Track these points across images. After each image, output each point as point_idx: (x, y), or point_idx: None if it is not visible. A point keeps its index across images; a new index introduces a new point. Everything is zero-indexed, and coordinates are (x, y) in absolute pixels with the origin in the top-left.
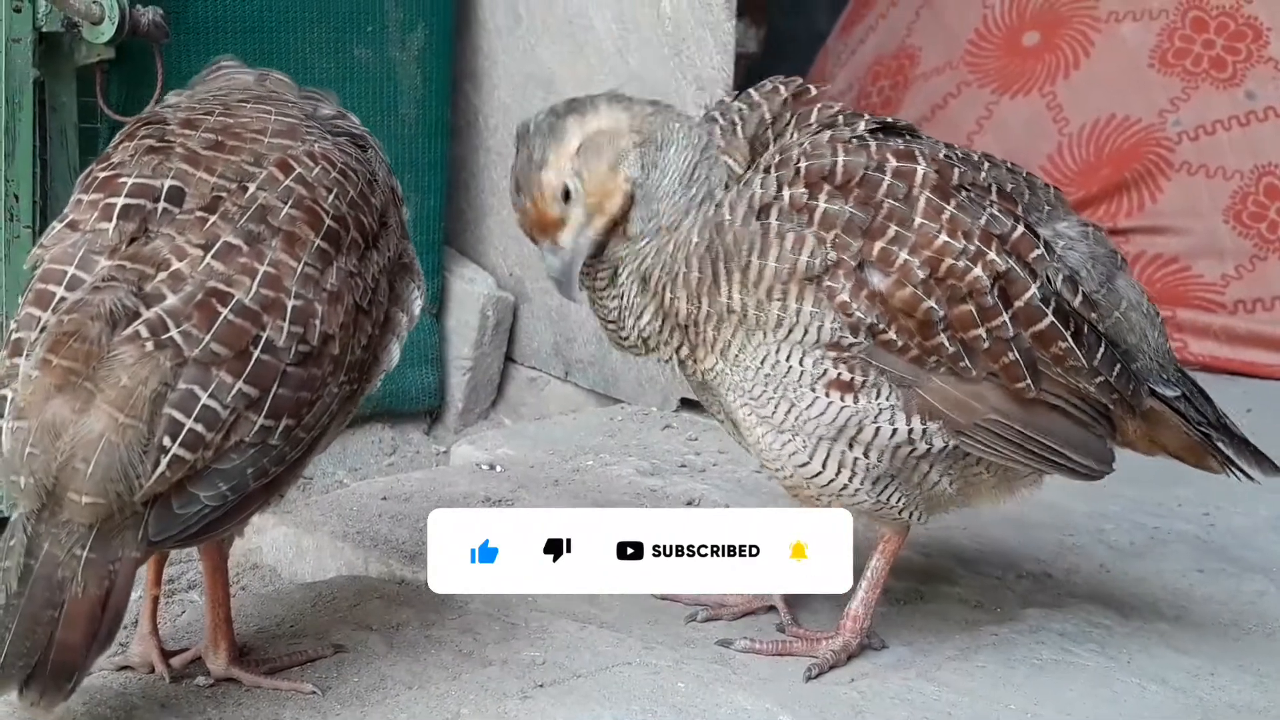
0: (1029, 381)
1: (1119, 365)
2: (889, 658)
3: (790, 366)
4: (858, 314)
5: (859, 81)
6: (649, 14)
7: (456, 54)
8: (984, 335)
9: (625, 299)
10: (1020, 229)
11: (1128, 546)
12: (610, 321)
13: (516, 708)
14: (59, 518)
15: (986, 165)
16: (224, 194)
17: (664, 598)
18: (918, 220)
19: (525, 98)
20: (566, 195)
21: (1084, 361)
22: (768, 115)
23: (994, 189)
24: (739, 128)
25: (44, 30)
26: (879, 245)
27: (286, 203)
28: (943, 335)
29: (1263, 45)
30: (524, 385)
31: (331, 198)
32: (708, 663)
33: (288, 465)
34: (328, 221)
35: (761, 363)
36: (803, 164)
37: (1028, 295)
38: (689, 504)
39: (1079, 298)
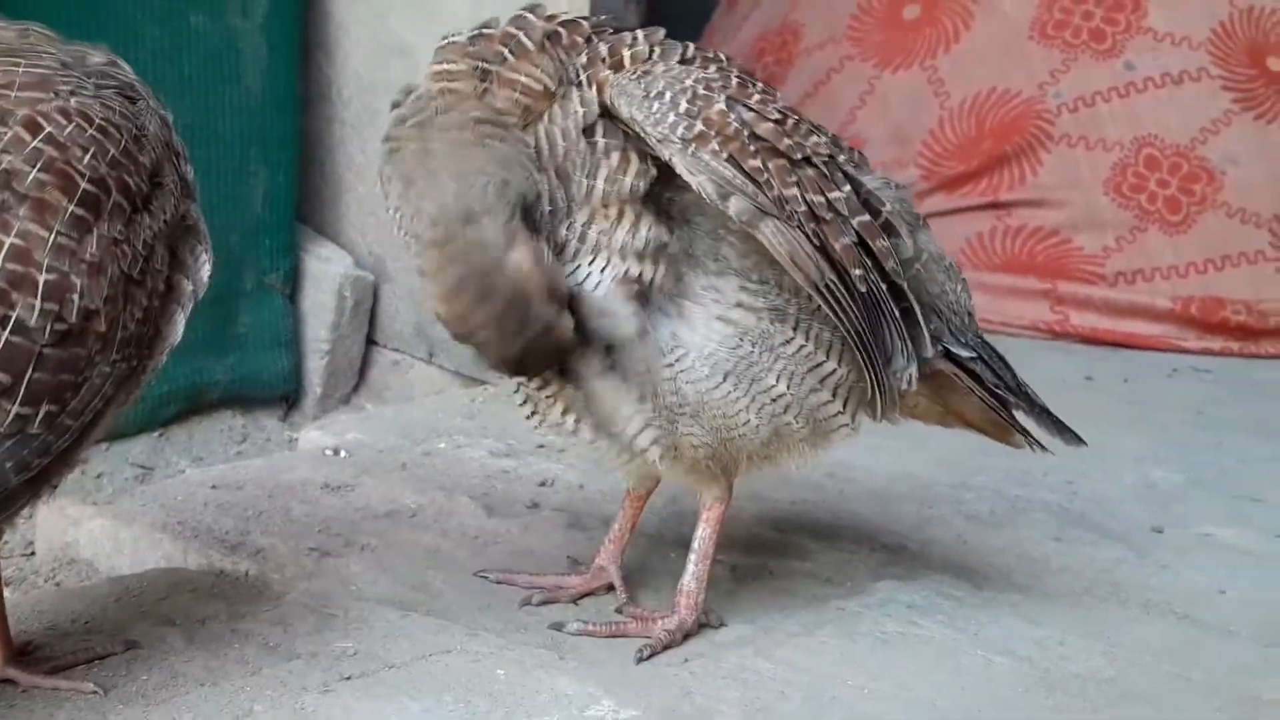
0: (863, 271)
1: (918, 306)
2: (728, 636)
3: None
4: (734, 124)
5: (744, 58)
6: None
7: (306, 22)
8: (825, 205)
9: None
10: (830, 135)
11: (988, 516)
12: None
13: (315, 702)
14: None
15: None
16: None
17: (500, 581)
18: (754, 90)
19: (381, 67)
20: None
21: (900, 269)
22: (559, 31)
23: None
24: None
25: None
26: (731, 78)
27: (34, 166)
28: (796, 189)
29: (1141, 16)
30: (387, 368)
31: (88, 158)
32: (534, 648)
33: (55, 455)
34: (83, 185)
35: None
36: (603, 48)
37: (847, 189)
38: (541, 485)
39: (886, 217)
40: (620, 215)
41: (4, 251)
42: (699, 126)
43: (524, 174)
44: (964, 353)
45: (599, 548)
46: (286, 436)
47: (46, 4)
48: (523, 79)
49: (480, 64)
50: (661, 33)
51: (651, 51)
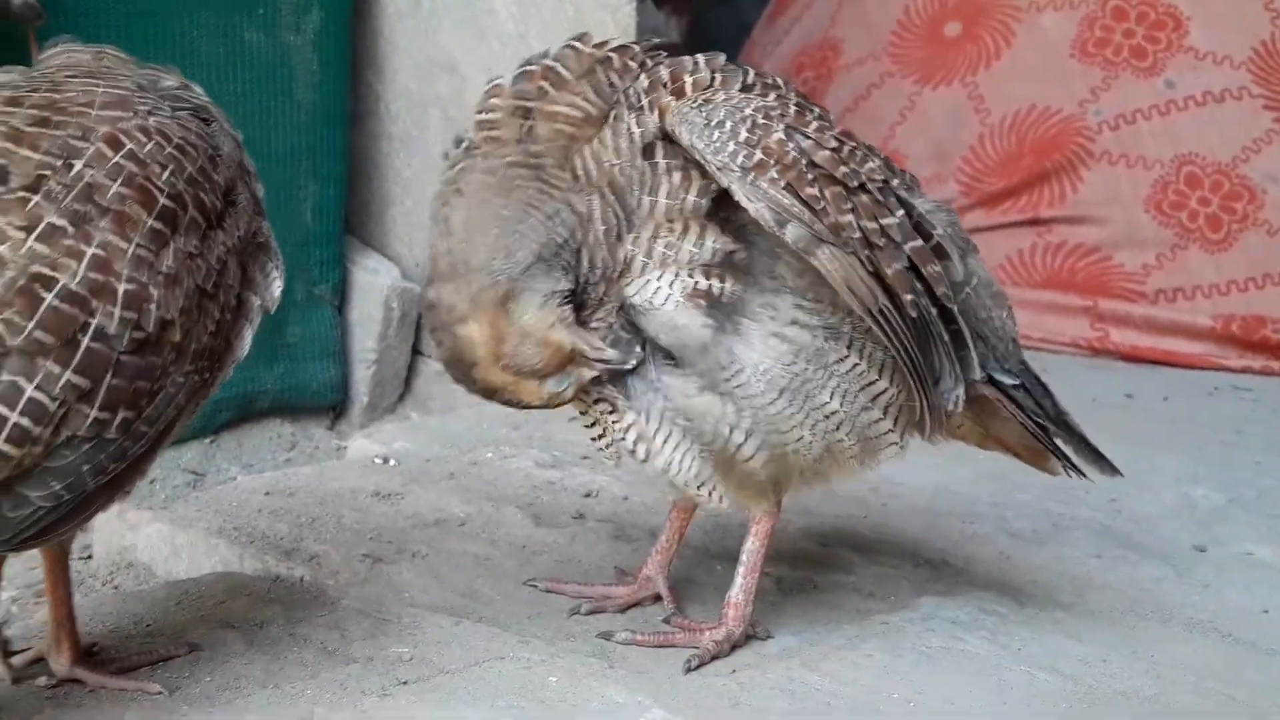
0: (914, 296)
1: (967, 330)
2: (774, 648)
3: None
4: (792, 153)
5: (784, 74)
6: None
7: (355, 38)
8: (879, 231)
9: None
10: (881, 160)
11: (1030, 534)
12: None
13: (375, 706)
14: None
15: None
16: (48, 172)
17: (548, 590)
18: (811, 117)
19: (429, 83)
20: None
21: (952, 293)
22: (610, 56)
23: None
24: (578, 65)
25: None
26: (788, 106)
27: (116, 180)
28: (851, 214)
29: (1182, 35)
30: (432, 378)
31: (166, 174)
32: (585, 656)
33: (130, 460)
34: (162, 200)
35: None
36: (665, 73)
37: (900, 214)
38: (587, 496)
39: (938, 240)
40: (685, 229)
41: (86, 261)
42: (758, 155)
43: (544, 222)
44: (1008, 379)
45: (645, 558)
46: (334, 445)
47: (110, 25)
48: (563, 109)
49: (522, 103)
50: (722, 58)
51: (713, 78)
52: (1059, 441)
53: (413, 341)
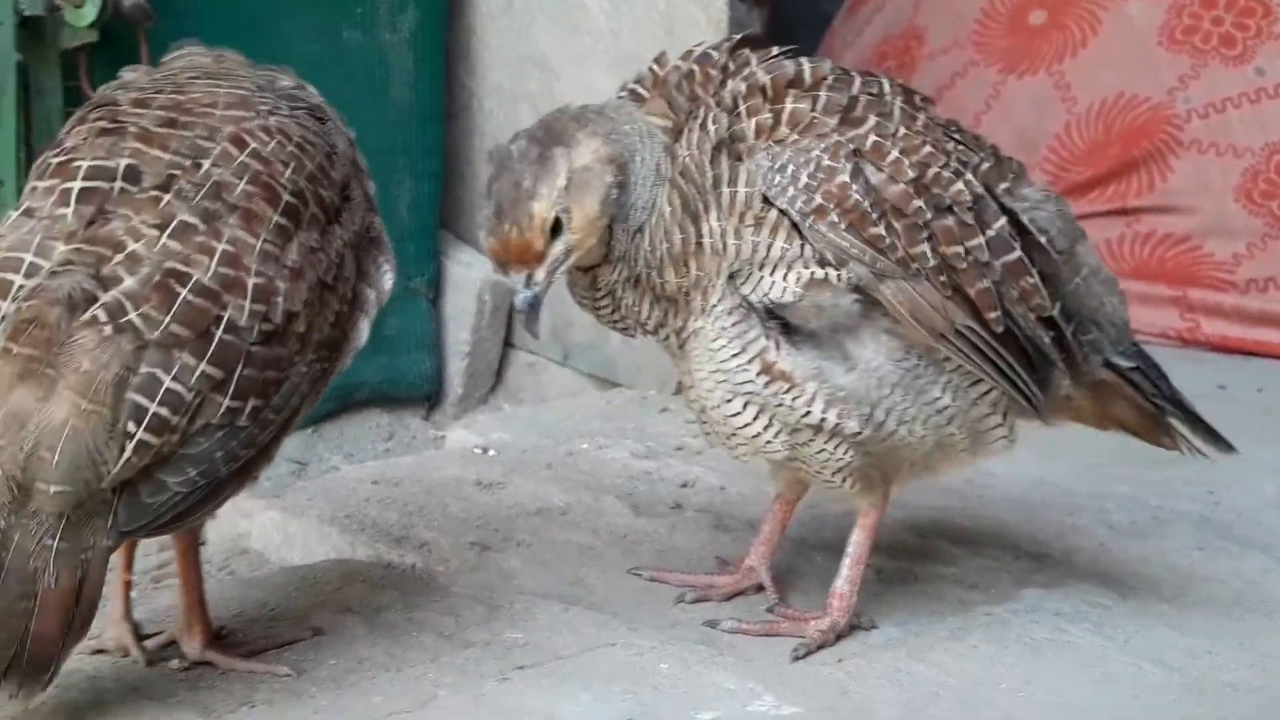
0: (1000, 312)
1: (1074, 325)
2: (879, 638)
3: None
4: (855, 196)
5: (865, 63)
6: None
7: (449, 36)
8: (963, 254)
9: (624, 306)
10: (988, 163)
11: (1129, 526)
12: (619, 325)
13: (494, 689)
14: (28, 509)
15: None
16: (178, 171)
17: (652, 579)
18: (896, 124)
19: (520, 79)
20: (555, 229)
21: (1048, 302)
22: (692, 69)
23: (955, 128)
24: (654, 83)
25: (26, 13)
26: (870, 136)
27: (242, 179)
28: (926, 245)
29: (1272, 21)
30: (523, 370)
31: (289, 172)
32: (693, 644)
33: (258, 448)
34: (285, 197)
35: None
36: (764, 78)
37: (999, 225)
38: (683, 486)
39: (1044, 240)
40: (774, 228)
41: (217, 257)
42: (817, 200)
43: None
44: (1124, 362)
45: (747, 548)
46: (430, 435)
47: (214, 24)
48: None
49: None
50: (827, 65)
51: (814, 105)
52: (1175, 421)
53: (504, 334)
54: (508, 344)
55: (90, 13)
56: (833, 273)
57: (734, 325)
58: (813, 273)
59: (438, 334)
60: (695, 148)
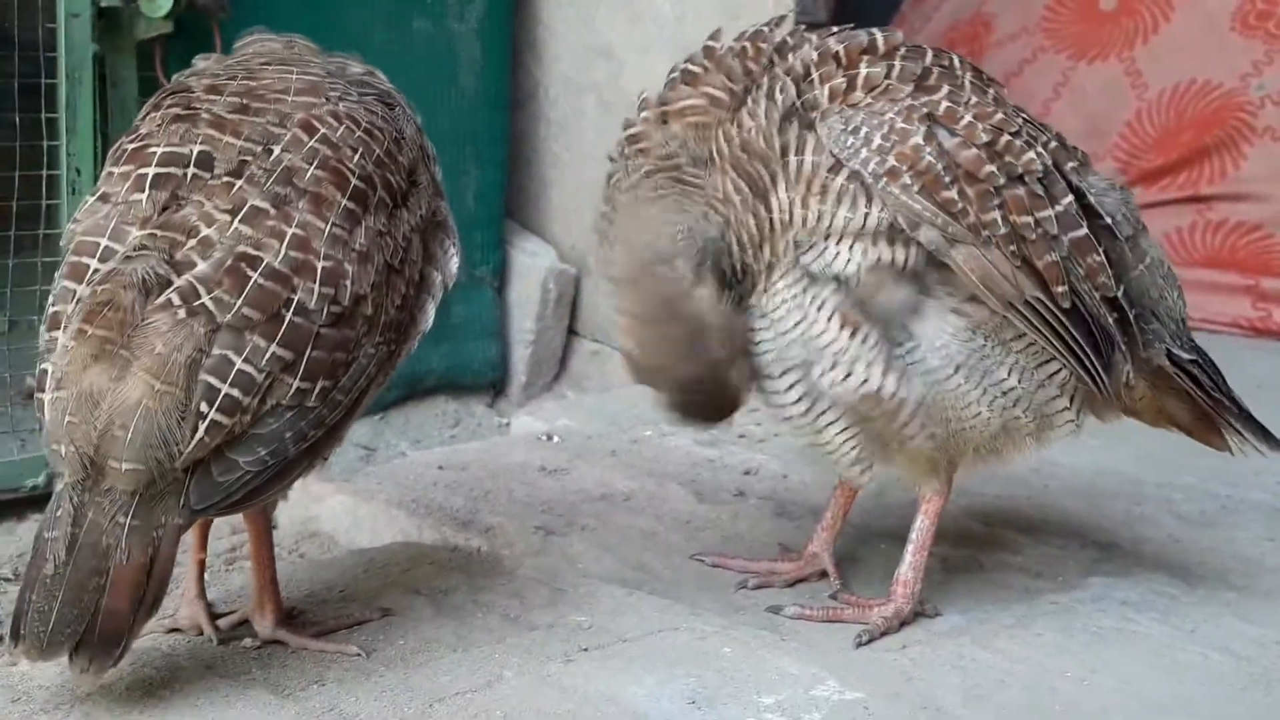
0: (1067, 287)
1: (1136, 312)
2: (943, 625)
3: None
4: (928, 158)
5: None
6: None
7: (516, 25)
8: (1033, 224)
9: None
10: (1056, 142)
11: (1198, 516)
12: None
13: (560, 670)
14: (101, 486)
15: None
16: (250, 157)
17: (715, 564)
18: (969, 94)
19: (586, 68)
20: None
21: (1113, 282)
22: (745, 46)
23: (1022, 111)
24: (711, 57)
25: (102, 5)
26: (943, 102)
27: (312, 164)
28: (997, 212)
29: None
30: (586, 358)
31: (357, 157)
32: (756, 629)
33: (327, 428)
34: (354, 181)
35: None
36: (837, 45)
37: (1066, 201)
38: (746, 474)
39: (1109, 222)
40: (839, 196)
41: (287, 241)
42: (890, 162)
43: (703, 219)
44: (1185, 355)
45: (809, 535)
46: (495, 421)
47: (287, 14)
48: (688, 102)
49: (662, 109)
50: (899, 36)
51: (889, 72)
52: (1231, 418)
53: (568, 322)
54: (571, 332)
55: (165, 4)
56: (900, 251)
57: (795, 299)
58: (880, 250)
59: (502, 322)
60: (762, 117)
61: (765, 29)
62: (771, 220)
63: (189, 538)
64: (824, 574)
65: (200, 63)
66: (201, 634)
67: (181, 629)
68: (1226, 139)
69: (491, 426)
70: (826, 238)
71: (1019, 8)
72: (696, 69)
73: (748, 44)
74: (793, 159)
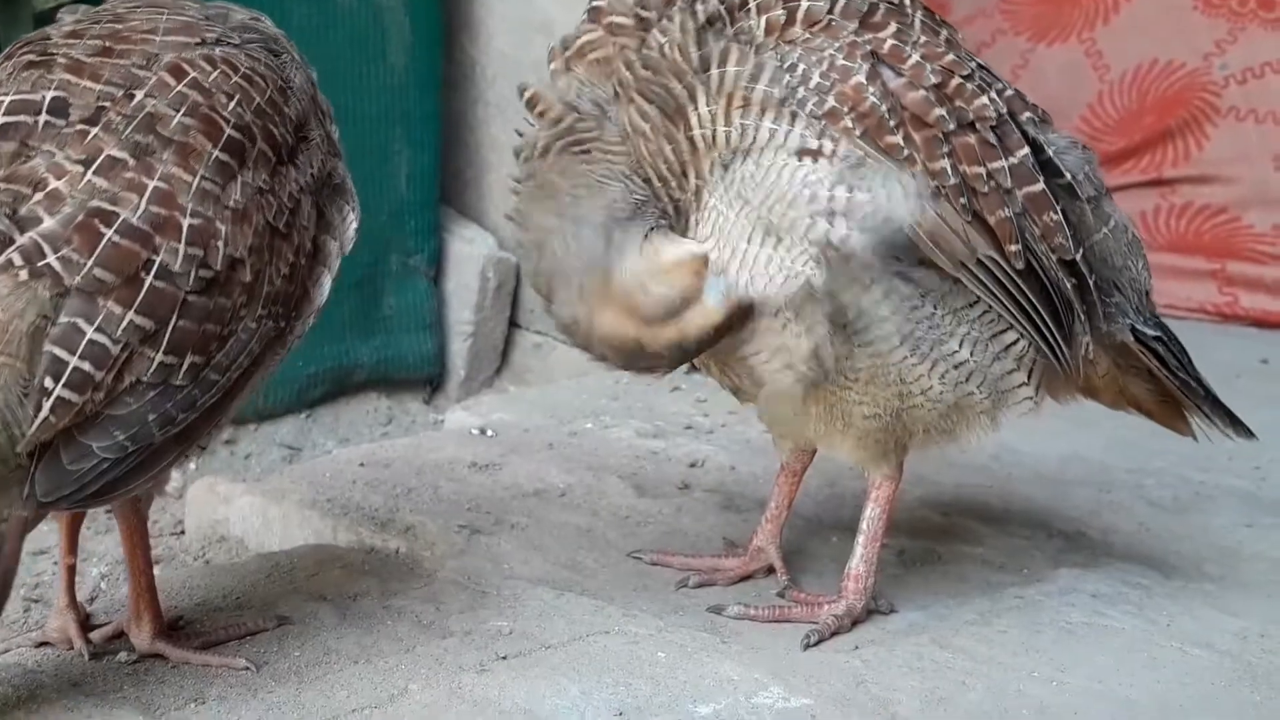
0: (1020, 246)
1: (1096, 279)
2: (899, 623)
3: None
4: (871, 99)
5: None
6: None
7: (449, 1)
8: (984, 176)
9: None
10: (1012, 90)
11: (1171, 503)
12: None
13: (473, 681)
14: None
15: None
16: (109, 103)
17: (655, 562)
18: (918, 32)
19: (525, 46)
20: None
21: (1071, 244)
22: None
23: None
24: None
25: None
26: (889, 40)
27: (179, 110)
28: (947, 161)
29: None
30: (529, 350)
31: (233, 104)
32: (695, 630)
33: (201, 412)
34: (228, 130)
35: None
36: None
37: (1022, 154)
38: (691, 466)
39: (1069, 179)
40: (763, 109)
41: (147, 195)
42: (830, 103)
43: (598, 189)
44: (1149, 331)
45: (755, 529)
46: (431, 418)
47: None
48: (586, 38)
49: (565, 56)
50: None
51: (832, 7)
52: (1198, 401)
53: (509, 313)
54: (513, 324)
55: None
56: (828, 144)
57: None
58: (806, 142)
59: (439, 313)
60: (676, 31)
61: None
62: (692, 139)
63: (51, 537)
64: (771, 570)
65: (67, 17)
66: (72, 647)
67: (51, 642)
68: (1190, 120)
69: (427, 424)
70: (748, 155)
71: None
72: (603, 2)
73: None
74: (714, 71)
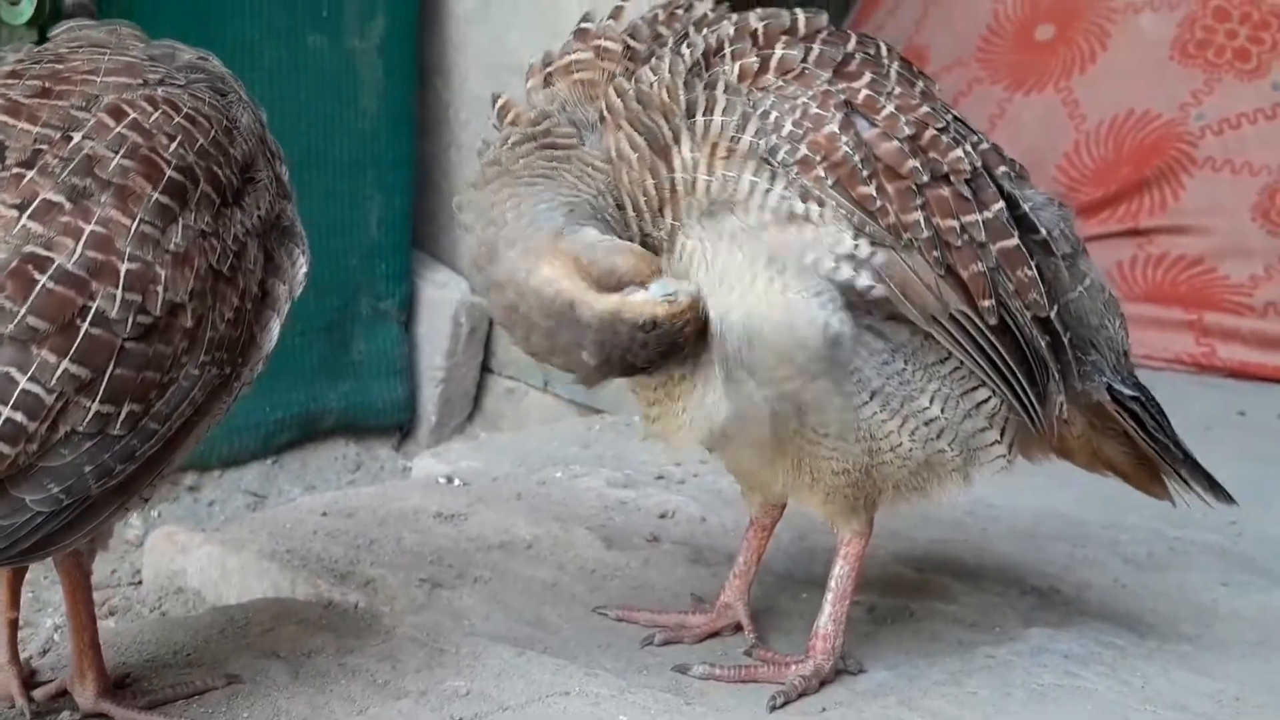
0: (994, 301)
1: (1072, 337)
2: (868, 683)
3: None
4: (844, 149)
5: None
6: None
7: (422, 44)
8: (958, 229)
9: None
10: (988, 144)
11: (1145, 559)
12: None
13: None
14: None
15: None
16: (46, 145)
17: (620, 618)
18: (893, 83)
19: (499, 88)
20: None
21: (1045, 300)
22: (658, 12)
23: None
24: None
25: None
26: (863, 90)
27: (118, 152)
28: (920, 213)
29: None
30: (501, 396)
31: (175, 146)
32: (658, 691)
33: (141, 462)
34: (169, 172)
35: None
36: (757, 23)
37: (996, 208)
38: (661, 517)
39: (1044, 235)
40: (745, 161)
41: (84, 239)
42: (802, 151)
43: (565, 186)
44: (1127, 390)
45: (723, 584)
46: (401, 465)
47: (166, 24)
48: (572, 56)
49: (546, 71)
50: (823, 19)
51: (806, 55)
52: (1175, 465)
53: (482, 359)
54: (486, 369)
55: (27, 10)
56: (814, 209)
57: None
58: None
59: (410, 359)
60: (666, 72)
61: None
62: (674, 180)
63: None
64: (739, 627)
65: (9, 55)
66: (13, 706)
67: None
68: (1167, 170)
69: (396, 471)
70: (733, 208)
71: (953, 39)
72: (591, 26)
73: (661, 10)
74: (700, 119)
